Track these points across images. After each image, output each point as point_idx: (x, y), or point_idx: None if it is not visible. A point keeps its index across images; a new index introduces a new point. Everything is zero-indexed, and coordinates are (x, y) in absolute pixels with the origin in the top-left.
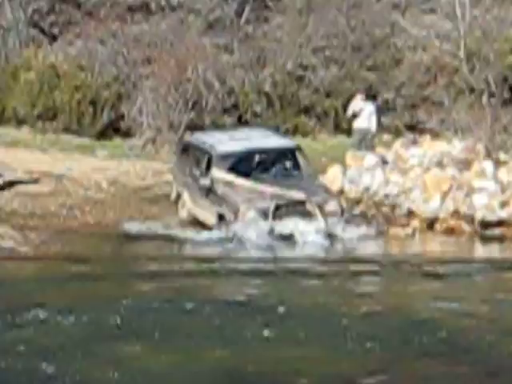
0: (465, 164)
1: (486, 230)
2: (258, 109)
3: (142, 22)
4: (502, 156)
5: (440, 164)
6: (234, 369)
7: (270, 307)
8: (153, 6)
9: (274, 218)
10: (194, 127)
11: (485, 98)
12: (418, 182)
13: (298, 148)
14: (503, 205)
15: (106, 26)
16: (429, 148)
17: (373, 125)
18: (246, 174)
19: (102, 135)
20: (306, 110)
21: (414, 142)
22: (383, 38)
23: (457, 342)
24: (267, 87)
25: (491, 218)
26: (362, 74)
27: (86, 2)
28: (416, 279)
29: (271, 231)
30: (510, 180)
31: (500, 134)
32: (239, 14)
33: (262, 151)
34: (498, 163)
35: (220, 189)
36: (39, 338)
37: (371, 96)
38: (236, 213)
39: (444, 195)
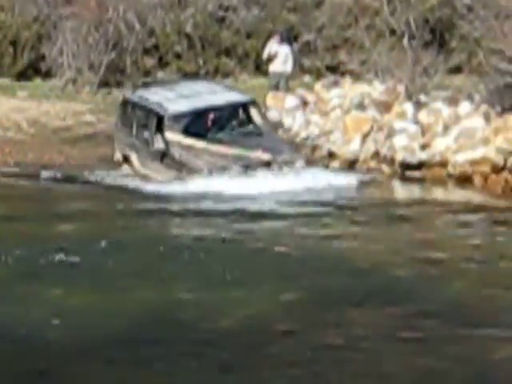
0: (385, 106)
1: (406, 171)
2: (178, 50)
3: None
4: (423, 98)
5: (361, 106)
6: (154, 310)
7: (201, 247)
8: None
9: None
10: (114, 68)
11: (406, 40)
12: (338, 124)
13: (253, 102)
14: (423, 147)
15: None
16: (350, 90)
17: (288, 67)
18: (201, 135)
19: (23, 76)
20: (227, 51)
21: (335, 84)
22: None
23: (382, 286)
24: (188, 28)
25: (411, 159)
26: (283, 16)
27: None
28: (348, 222)
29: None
30: (430, 122)
31: (420, 76)
32: None
33: (215, 108)
34: (418, 105)
35: (177, 152)
36: None
37: (293, 37)
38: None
39: (364, 137)
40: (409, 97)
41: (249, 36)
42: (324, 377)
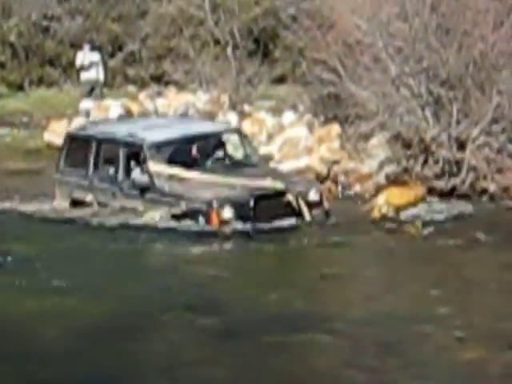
0: (209, 115)
1: None
2: (2, 59)
3: None
4: (247, 108)
5: (185, 116)
6: None
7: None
8: None
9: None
10: None
11: (229, 50)
12: None
13: (238, 130)
14: None
15: None
16: (174, 100)
17: (101, 75)
18: (186, 165)
19: None
20: (51, 61)
21: (159, 94)
22: None
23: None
24: (12, 37)
25: None
26: (107, 26)
27: None
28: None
29: None
30: (253, 131)
31: (244, 86)
32: None
33: (200, 137)
34: (242, 115)
35: (166, 185)
36: None
37: (118, 47)
38: (208, 211)
39: None
40: (233, 106)
41: (73, 46)
42: None
